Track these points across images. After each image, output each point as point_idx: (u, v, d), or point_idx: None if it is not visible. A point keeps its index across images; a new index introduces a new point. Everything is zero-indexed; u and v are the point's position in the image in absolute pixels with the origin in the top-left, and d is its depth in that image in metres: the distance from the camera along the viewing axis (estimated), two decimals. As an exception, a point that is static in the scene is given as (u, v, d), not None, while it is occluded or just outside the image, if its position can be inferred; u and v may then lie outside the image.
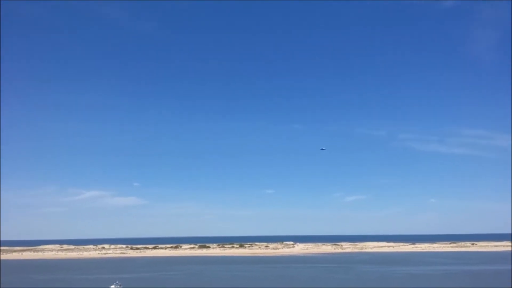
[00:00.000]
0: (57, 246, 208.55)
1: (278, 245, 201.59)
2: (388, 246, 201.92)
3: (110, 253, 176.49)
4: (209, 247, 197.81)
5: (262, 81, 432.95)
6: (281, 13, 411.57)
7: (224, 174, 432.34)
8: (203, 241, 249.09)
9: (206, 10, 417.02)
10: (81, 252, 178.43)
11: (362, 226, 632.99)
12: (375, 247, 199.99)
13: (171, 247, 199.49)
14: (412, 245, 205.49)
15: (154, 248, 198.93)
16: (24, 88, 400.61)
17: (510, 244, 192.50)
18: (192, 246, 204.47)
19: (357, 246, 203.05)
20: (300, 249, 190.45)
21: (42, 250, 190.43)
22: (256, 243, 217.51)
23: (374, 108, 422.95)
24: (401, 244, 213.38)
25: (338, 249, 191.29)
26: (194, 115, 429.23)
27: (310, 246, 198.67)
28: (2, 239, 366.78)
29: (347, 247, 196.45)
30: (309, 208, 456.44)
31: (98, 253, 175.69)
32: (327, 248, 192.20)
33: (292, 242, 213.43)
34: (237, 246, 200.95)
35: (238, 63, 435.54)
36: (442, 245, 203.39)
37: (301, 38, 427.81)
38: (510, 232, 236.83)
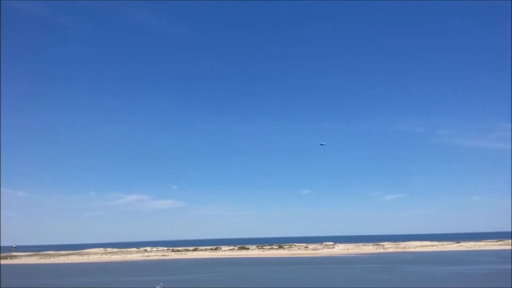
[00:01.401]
0: (101, 250, 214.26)
1: (318, 245, 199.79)
2: (432, 245, 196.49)
3: (152, 256, 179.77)
4: (248, 248, 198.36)
5: (293, 80, 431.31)
6: (306, 11, 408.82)
7: (260, 174, 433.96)
8: (242, 243, 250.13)
9: (232, 10, 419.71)
10: (124, 255, 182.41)
11: (402, 225, 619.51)
12: (418, 246, 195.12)
13: (211, 249, 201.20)
14: (457, 244, 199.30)
15: (194, 250, 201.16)
16: (61, 92, 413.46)
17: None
18: (231, 247, 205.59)
19: (399, 245, 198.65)
20: (340, 249, 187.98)
21: (87, 253, 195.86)
22: (295, 244, 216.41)
23: (411, 104, 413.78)
24: (445, 243, 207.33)
25: (379, 249, 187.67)
26: (227, 116, 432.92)
27: (350, 247, 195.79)
28: (48, 243, 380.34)
29: (389, 247, 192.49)
30: (347, 208, 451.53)
31: (141, 256, 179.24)
32: (368, 248, 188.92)
33: (332, 243, 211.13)
34: (276, 247, 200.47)
35: (266, 62, 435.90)
36: (489, 243, 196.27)
37: (329, 35, 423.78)
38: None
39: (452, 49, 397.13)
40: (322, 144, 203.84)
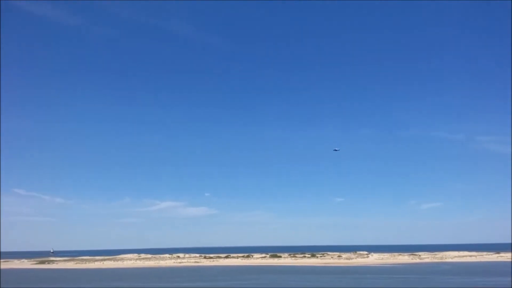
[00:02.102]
0: (135, 255, 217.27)
1: (351, 255, 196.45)
2: (470, 256, 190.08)
3: (185, 262, 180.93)
4: (280, 256, 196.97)
5: (329, 87, 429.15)
6: (339, 17, 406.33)
7: (292, 182, 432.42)
8: (274, 251, 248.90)
9: (266, 20, 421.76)
10: (157, 261, 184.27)
11: (440, 235, 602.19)
12: (456, 256, 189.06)
13: (243, 256, 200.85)
14: (497, 254, 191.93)
15: (227, 257, 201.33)
16: (94, 100, 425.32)
17: None
18: (263, 255, 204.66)
19: (436, 256, 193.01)
20: (374, 259, 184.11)
21: (122, 259, 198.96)
22: (328, 252, 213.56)
23: (449, 110, 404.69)
24: (484, 253, 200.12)
25: (416, 259, 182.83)
26: (259, 124, 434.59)
27: (385, 256, 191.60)
28: (84, 248, 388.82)
29: (426, 257, 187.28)
30: (382, 217, 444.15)
31: (174, 262, 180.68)
32: (403, 258, 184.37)
33: (366, 252, 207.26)
34: (309, 255, 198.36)
35: (301, 71, 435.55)
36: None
37: (366, 41, 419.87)
38: None
39: (489, 53, 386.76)
40: (335, 150, 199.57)
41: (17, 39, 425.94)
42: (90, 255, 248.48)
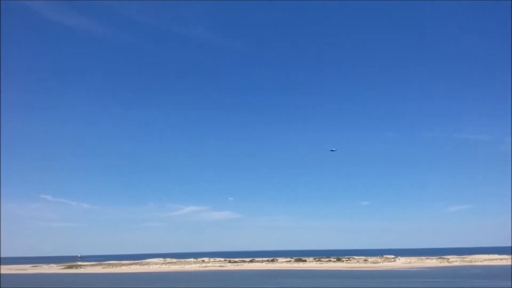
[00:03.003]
0: (160, 260, 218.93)
1: (378, 258, 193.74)
2: (501, 259, 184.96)
3: (209, 266, 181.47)
4: (305, 260, 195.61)
5: (350, 88, 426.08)
6: (363, 18, 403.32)
7: (317, 186, 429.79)
8: (298, 255, 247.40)
9: (287, 21, 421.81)
10: (182, 265, 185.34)
11: (468, 238, 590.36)
12: (486, 260, 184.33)
13: (267, 261, 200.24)
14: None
15: (251, 261, 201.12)
16: (116, 104, 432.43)
17: None
18: (288, 259, 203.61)
19: (465, 259, 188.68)
20: (401, 263, 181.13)
21: (147, 263, 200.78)
22: (354, 256, 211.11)
23: (474, 111, 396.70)
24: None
25: (444, 262, 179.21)
26: (283, 126, 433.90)
27: (412, 260, 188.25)
28: (110, 253, 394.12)
29: (454, 261, 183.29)
30: (408, 220, 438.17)
31: (199, 266, 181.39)
32: (431, 262, 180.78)
33: (392, 256, 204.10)
34: (334, 259, 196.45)
35: (322, 72, 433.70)
36: None
37: (389, 42, 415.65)
38: None
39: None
40: (332, 150, 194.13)
41: (33, 43, 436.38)
42: (116, 260, 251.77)
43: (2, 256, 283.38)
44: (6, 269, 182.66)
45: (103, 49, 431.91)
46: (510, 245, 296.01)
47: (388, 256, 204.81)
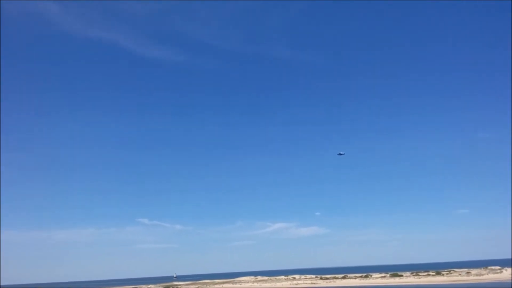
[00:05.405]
0: (251, 278, 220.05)
1: (482, 270, 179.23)
2: None
3: (301, 283, 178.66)
4: (401, 275, 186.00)
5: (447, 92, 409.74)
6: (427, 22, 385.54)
7: (407, 196, 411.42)
8: (393, 269, 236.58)
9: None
10: (274, 283, 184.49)
11: None
12: None
13: (361, 276, 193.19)
14: None
15: (344, 277, 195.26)
16: (207, 131, 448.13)
17: None
18: (383, 274, 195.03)
19: None
20: (509, 274, 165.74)
21: (239, 281, 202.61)
22: (455, 269, 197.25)
23: None
24: None
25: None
26: (366, 137, 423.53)
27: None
28: (203, 272, 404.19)
29: None
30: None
31: (290, 284, 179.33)
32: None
33: (498, 267, 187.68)
34: (433, 273, 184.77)
35: (386, 79, 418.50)
36: None
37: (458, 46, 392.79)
38: None
39: None
40: (340, 154, 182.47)
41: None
42: (209, 279, 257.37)
43: (106, 278, 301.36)
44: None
45: (190, 77, 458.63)
46: None
47: (493, 267, 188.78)
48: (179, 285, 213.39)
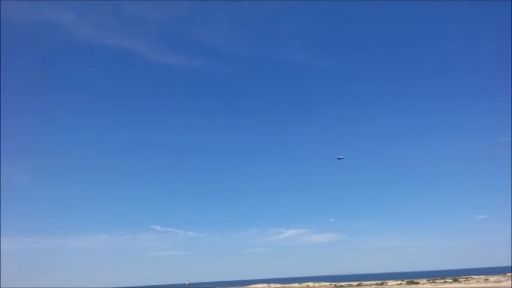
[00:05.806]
0: (265, 285, 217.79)
1: (501, 277, 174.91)
2: None
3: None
4: (418, 283, 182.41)
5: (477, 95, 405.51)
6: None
7: (425, 201, 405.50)
8: (410, 276, 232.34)
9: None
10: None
11: None
12: None
13: (376, 284, 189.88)
14: None
15: (358, 285, 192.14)
16: (221, 136, 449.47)
17: None
18: (398, 282, 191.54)
19: None
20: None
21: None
22: (473, 276, 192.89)
23: None
24: None
25: None
26: (384, 140, 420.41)
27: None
28: (216, 279, 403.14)
29: None
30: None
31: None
32: None
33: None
34: (450, 280, 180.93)
35: (411, 81, 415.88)
36: None
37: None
38: None
39: None
40: (340, 158, 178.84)
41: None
42: (222, 286, 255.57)
43: (117, 286, 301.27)
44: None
45: (204, 81, 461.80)
46: None
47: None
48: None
